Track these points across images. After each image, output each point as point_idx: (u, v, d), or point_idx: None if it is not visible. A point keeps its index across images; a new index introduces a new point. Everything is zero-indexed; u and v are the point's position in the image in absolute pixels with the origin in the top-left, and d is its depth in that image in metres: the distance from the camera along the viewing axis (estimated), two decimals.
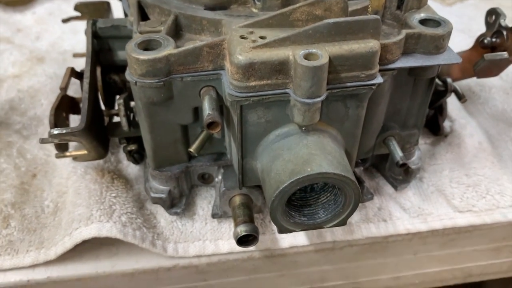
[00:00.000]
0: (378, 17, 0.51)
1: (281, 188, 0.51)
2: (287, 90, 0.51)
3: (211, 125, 0.52)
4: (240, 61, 0.49)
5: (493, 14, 0.75)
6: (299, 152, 0.53)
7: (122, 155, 0.76)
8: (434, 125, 0.81)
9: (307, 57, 0.49)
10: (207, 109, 0.53)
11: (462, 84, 0.90)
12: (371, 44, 0.51)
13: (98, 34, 0.68)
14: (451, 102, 0.85)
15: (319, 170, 0.51)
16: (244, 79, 0.50)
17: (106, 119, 0.71)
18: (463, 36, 1.06)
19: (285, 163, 0.53)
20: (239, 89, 0.51)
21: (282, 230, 0.56)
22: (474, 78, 0.78)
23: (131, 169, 0.75)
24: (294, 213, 0.57)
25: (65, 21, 0.85)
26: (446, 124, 0.83)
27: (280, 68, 0.50)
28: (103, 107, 0.71)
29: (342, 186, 0.53)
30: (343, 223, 0.57)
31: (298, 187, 0.51)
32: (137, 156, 0.74)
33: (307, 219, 0.57)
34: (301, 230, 0.57)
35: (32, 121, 0.85)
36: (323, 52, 0.49)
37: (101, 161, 0.73)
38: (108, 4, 0.83)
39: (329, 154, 0.53)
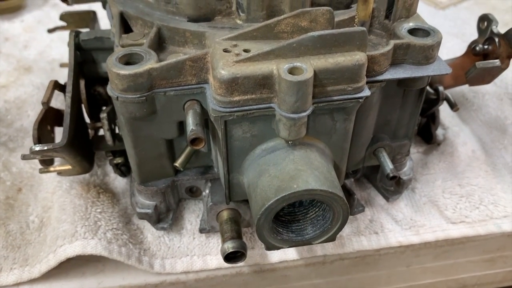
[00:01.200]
0: (364, 29, 0.49)
1: (267, 205, 0.50)
2: (272, 105, 0.50)
3: (194, 141, 0.51)
4: (223, 76, 0.48)
5: (485, 20, 0.74)
6: (286, 168, 0.52)
7: (109, 168, 0.75)
8: (427, 134, 0.80)
9: (291, 71, 0.48)
10: (191, 124, 0.51)
11: (455, 91, 0.88)
12: (358, 57, 0.49)
13: (81, 46, 0.66)
14: (444, 109, 0.84)
15: (306, 187, 0.49)
16: (227, 94, 0.49)
17: (92, 132, 0.70)
18: (456, 41, 1.05)
19: (271, 179, 0.51)
20: (222, 104, 0.49)
21: (269, 247, 0.55)
22: (467, 85, 0.77)
23: (118, 182, 0.74)
24: (282, 229, 0.55)
25: (50, 31, 0.83)
26: (439, 132, 0.82)
27: (264, 83, 0.49)
28: (88, 120, 0.70)
29: (329, 202, 0.52)
30: (332, 239, 0.55)
31: (284, 204, 0.50)
32: (124, 169, 0.72)
33: (295, 236, 0.55)
34: (289, 247, 0.56)
35: (19, 133, 0.83)
36: (308, 66, 0.48)
37: (87, 175, 0.72)
38: (94, 13, 0.81)
39: (316, 169, 0.52)
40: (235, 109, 0.50)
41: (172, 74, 0.52)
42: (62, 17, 0.81)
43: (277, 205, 0.50)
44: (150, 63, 0.51)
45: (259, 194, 0.52)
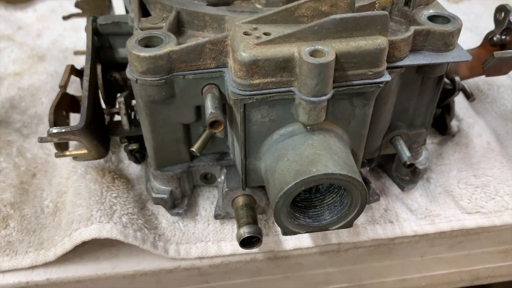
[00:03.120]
0: (386, 13, 0.49)
1: (285, 189, 0.49)
2: (292, 88, 0.50)
3: (213, 124, 0.51)
4: (243, 58, 0.48)
5: (502, 11, 0.73)
6: (304, 152, 0.51)
7: (123, 155, 0.75)
8: (442, 125, 0.79)
9: (313, 54, 0.47)
10: (210, 107, 0.51)
11: (470, 83, 0.88)
12: (379, 41, 0.49)
13: (98, 31, 0.66)
14: (459, 101, 0.84)
15: (325, 171, 0.49)
16: (247, 77, 0.49)
17: (107, 117, 0.70)
18: (470, 34, 1.04)
19: (289, 163, 0.51)
20: (242, 87, 0.49)
21: (286, 232, 0.55)
22: (482, 77, 0.76)
23: (133, 168, 0.74)
24: (299, 214, 0.55)
25: (65, 18, 0.84)
26: (454, 123, 0.81)
27: (285, 66, 0.49)
28: (103, 105, 0.70)
29: (348, 187, 0.51)
30: (349, 225, 0.55)
31: (303, 188, 0.50)
32: (139, 156, 0.72)
33: (312, 221, 0.55)
34: (305, 232, 0.56)
35: (33, 120, 0.84)
36: (330, 49, 0.48)
37: (101, 161, 0.72)
38: (109, 0, 0.81)
39: (335, 154, 0.52)
40: (255, 92, 0.50)
41: (192, 57, 0.51)
42: (78, 4, 0.81)
43: (296, 189, 0.50)
44: (170, 45, 0.51)
45: (277, 178, 0.52)
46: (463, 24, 1.10)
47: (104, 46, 0.68)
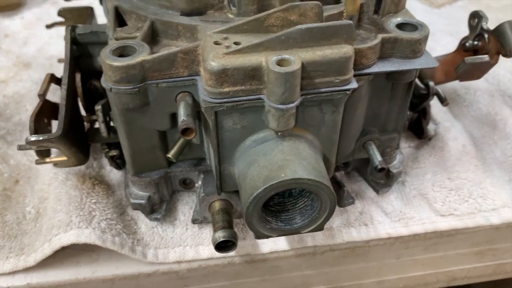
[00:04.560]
0: (351, 22, 0.50)
1: (255, 194, 0.51)
2: (261, 96, 0.51)
3: (185, 131, 0.52)
4: (213, 67, 0.49)
5: (475, 17, 0.75)
6: (274, 158, 0.53)
7: (105, 161, 0.76)
8: (418, 129, 0.81)
9: (279, 63, 0.49)
10: (182, 115, 0.53)
11: (447, 87, 0.90)
12: (345, 50, 0.51)
13: (77, 40, 0.68)
14: (437, 105, 0.85)
15: (293, 176, 0.50)
16: (217, 85, 0.50)
17: (87, 125, 0.71)
18: (450, 39, 1.06)
19: (260, 169, 0.53)
20: (213, 95, 0.51)
21: (258, 236, 0.56)
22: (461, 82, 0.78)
23: (114, 174, 0.75)
24: (271, 218, 0.56)
25: (49, 26, 0.85)
26: (431, 127, 0.83)
27: (254, 74, 0.50)
28: (84, 113, 0.71)
29: (317, 191, 0.53)
30: (320, 228, 0.57)
31: (272, 193, 0.51)
32: (120, 162, 0.73)
33: (284, 225, 0.57)
34: (278, 236, 0.57)
35: (17, 127, 0.85)
36: (296, 58, 0.49)
37: (83, 167, 0.73)
38: (91, 9, 0.83)
39: (304, 159, 0.53)
40: (225, 100, 0.51)
41: (164, 66, 0.53)
42: (60, 13, 0.83)
43: (266, 193, 0.51)
44: (143, 55, 0.52)
45: (248, 184, 0.53)
46: (444, 29, 1.13)
47: (83, 54, 0.69)
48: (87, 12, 0.82)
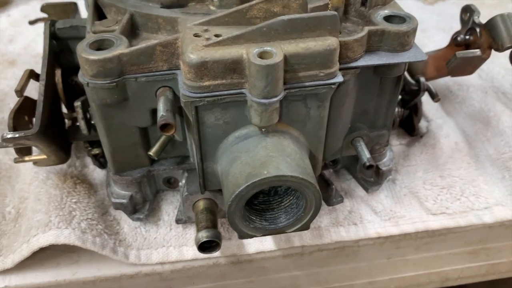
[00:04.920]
0: (335, 13, 0.49)
1: (237, 192, 0.49)
2: (243, 90, 0.50)
3: (165, 127, 0.50)
4: (191, 60, 0.47)
5: (467, 11, 0.74)
6: (257, 155, 0.51)
7: (88, 159, 0.74)
8: (410, 126, 0.79)
9: (261, 55, 0.47)
10: (161, 110, 0.51)
11: (440, 83, 0.88)
12: (329, 42, 0.49)
13: (57, 35, 0.66)
14: (429, 101, 0.83)
15: (276, 173, 0.49)
16: (197, 79, 0.48)
17: (69, 122, 0.69)
18: (443, 35, 1.04)
19: (242, 166, 0.51)
20: (192, 89, 0.49)
21: (242, 236, 0.54)
22: (453, 77, 0.77)
23: (97, 173, 0.73)
24: (255, 217, 0.55)
25: (32, 22, 0.83)
26: (423, 124, 0.81)
27: (234, 67, 0.48)
28: (66, 110, 0.69)
29: (301, 189, 0.51)
30: (305, 227, 0.55)
31: (255, 191, 0.50)
32: (103, 160, 0.72)
33: (269, 224, 0.55)
34: (262, 235, 0.55)
35: None
36: (278, 50, 0.47)
37: (64, 166, 0.71)
38: (75, 4, 0.81)
39: (288, 156, 0.51)
40: (205, 94, 0.49)
41: (143, 59, 0.51)
42: (43, 8, 0.80)
43: (248, 191, 0.49)
44: (120, 48, 0.50)
45: (230, 181, 0.51)
46: (437, 25, 1.12)
47: (64, 50, 0.67)
48: (71, 8, 0.80)
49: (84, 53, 0.50)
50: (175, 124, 0.50)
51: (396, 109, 0.76)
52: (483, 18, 0.70)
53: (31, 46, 1.04)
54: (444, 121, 0.82)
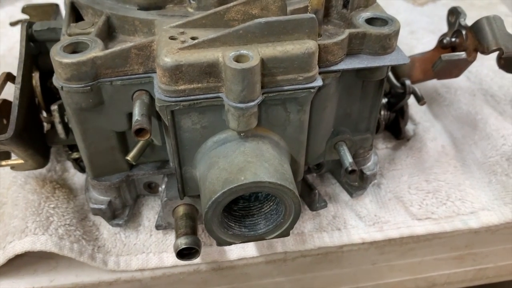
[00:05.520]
0: (313, 15, 0.48)
1: (213, 198, 0.48)
2: (220, 94, 0.49)
3: (139, 132, 0.49)
4: (166, 63, 0.46)
5: (454, 13, 0.73)
6: (235, 160, 0.50)
7: (69, 164, 0.73)
8: (396, 129, 0.78)
9: (237, 59, 0.46)
10: (136, 114, 0.50)
11: (428, 86, 0.87)
12: (307, 45, 0.48)
13: (34, 37, 0.64)
14: (416, 104, 0.82)
15: (254, 179, 0.48)
16: (172, 83, 0.47)
17: (48, 126, 0.67)
18: (432, 37, 1.03)
19: (219, 171, 0.50)
20: (167, 93, 0.48)
21: (220, 243, 0.53)
22: (441, 80, 0.76)
23: (77, 178, 0.72)
24: (234, 224, 0.53)
25: (13, 24, 0.81)
26: (410, 127, 0.80)
27: (210, 71, 0.47)
28: (45, 113, 0.68)
29: (280, 195, 0.50)
30: (285, 234, 0.54)
31: (232, 197, 0.49)
32: (83, 164, 0.70)
33: (248, 231, 0.54)
34: (241, 242, 0.54)
35: None
36: (255, 54, 0.46)
37: (44, 170, 0.70)
38: (57, 6, 0.79)
39: (266, 161, 0.50)
40: (181, 98, 0.48)
41: (118, 62, 0.50)
42: (24, 10, 0.79)
43: (224, 197, 0.48)
44: (95, 51, 0.49)
45: (207, 188, 0.50)
46: (427, 27, 1.11)
47: (42, 52, 0.66)
48: (52, 9, 0.79)
49: (58, 56, 0.49)
50: (150, 129, 0.49)
51: (382, 112, 0.75)
52: (472, 20, 0.69)
53: (15, 47, 1.02)
54: (431, 124, 0.81)
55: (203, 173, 0.52)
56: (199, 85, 0.48)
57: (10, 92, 0.66)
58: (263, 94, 0.48)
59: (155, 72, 0.51)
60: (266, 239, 0.54)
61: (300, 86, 0.49)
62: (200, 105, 0.49)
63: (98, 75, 0.50)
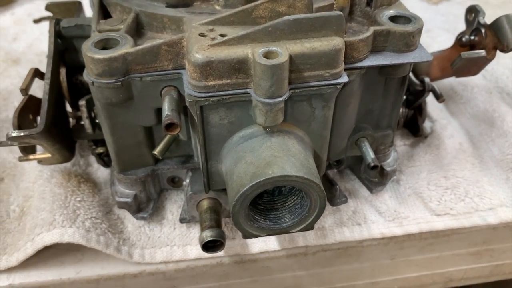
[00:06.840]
0: (341, 13, 0.49)
1: (241, 191, 0.49)
2: (248, 90, 0.50)
3: (170, 126, 0.50)
4: (197, 59, 0.47)
5: (472, 12, 0.73)
6: (262, 154, 0.51)
7: (92, 158, 0.74)
8: (414, 126, 0.79)
9: (266, 55, 0.47)
10: (166, 110, 0.51)
11: (444, 84, 0.88)
12: (334, 42, 0.49)
13: (62, 34, 0.66)
14: (433, 102, 0.83)
15: (281, 173, 0.49)
16: (202, 79, 0.48)
17: (73, 121, 0.69)
18: (448, 35, 1.04)
19: (247, 165, 0.51)
20: (197, 89, 0.49)
21: (246, 235, 0.54)
22: (457, 78, 0.76)
23: (101, 172, 0.73)
24: (259, 217, 0.54)
25: (36, 21, 0.83)
26: (427, 124, 0.81)
27: (240, 67, 0.48)
28: (70, 109, 0.69)
29: (306, 189, 0.51)
30: (309, 227, 0.55)
31: (259, 191, 0.50)
32: (107, 159, 0.71)
33: (273, 224, 0.55)
34: (266, 235, 0.55)
35: (4, 124, 0.83)
36: (283, 50, 0.47)
37: (68, 164, 0.71)
38: (79, 3, 0.81)
39: (292, 156, 0.51)
40: (210, 94, 0.49)
41: (148, 59, 0.51)
42: (48, 7, 0.80)
43: (252, 191, 0.49)
44: (126, 47, 0.50)
45: (235, 181, 0.51)
46: (441, 26, 1.11)
47: (69, 48, 0.67)
48: (75, 7, 0.80)
49: (90, 52, 0.50)
50: (180, 124, 0.50)
51: (401, 110, 0.76)
52: (487, 18, 0.70)
53: (35, 44, 1.05)
54: (448, 121, 0.82)
55: (230, 168, 0.53)
56: (228, 81, 0.49)
57: (34, 87, 0.68)
58: (290, 90, 0.50)
59: (184, 69, 0.52)
60: (290, 232, 0.55)
61: (326, 82, 0.50)
62: (229, 100, 0.50)
63: (129, 71, 0.51)
